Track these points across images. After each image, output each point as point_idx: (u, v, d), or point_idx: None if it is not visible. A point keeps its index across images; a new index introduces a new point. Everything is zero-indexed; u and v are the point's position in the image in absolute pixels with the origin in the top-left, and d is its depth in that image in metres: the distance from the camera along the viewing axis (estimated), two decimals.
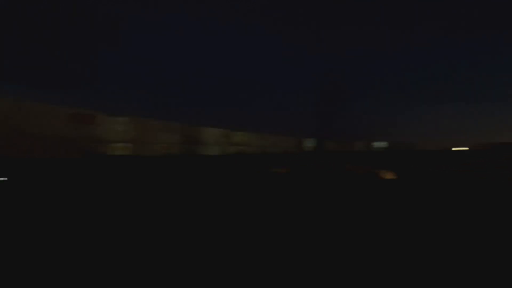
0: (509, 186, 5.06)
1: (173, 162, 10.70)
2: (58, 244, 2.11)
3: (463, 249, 1.95)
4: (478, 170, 8.08)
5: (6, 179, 4.99)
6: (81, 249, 1.99)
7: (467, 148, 51.56)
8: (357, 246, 2.02)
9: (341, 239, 2.17)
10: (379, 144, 51.24)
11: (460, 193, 4.29)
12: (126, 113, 13.65)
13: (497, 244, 2.08)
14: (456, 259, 1.78)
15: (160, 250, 1.97)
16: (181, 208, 3.25)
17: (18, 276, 1.57)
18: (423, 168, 8.98)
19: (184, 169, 8.18)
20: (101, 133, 12.32)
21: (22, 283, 1.50)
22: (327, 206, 3.37)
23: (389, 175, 6.50)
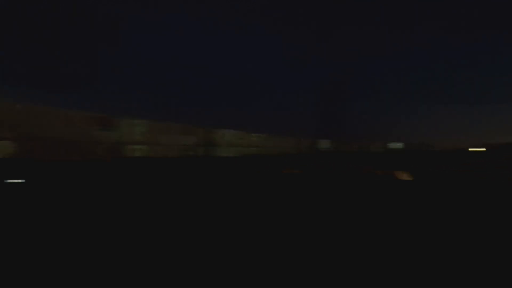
0: None
1: (190, 164, 10.83)
2: (81, 245, 2.14)
3: (475, 254, 1.90)
4: (492, 172, 7.78)
5: (24, 181, 5.17)
6: (105, 250, 2.02)
7: (484, 149, 49.52)
8: (364, 247, 1.99)
9: (350, 240, 2.15)
10: (395, 145, 50.08)
11: (475, 195, 4.13)
12: (128, 114, 13.94)
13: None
14: (466, 261, 1.76)
15: (187, 249, 1.99)
16: (202, 208, 3.29)
17: (40, 277, 1.59)
18: (439, 169, 8.76)
19: (202, 170, 8.24)
20: (119, 136, 12.65)
21: (45, 284, 1.51)
22: (339, 206, 3.33)
23: (405, 176, 6.36)
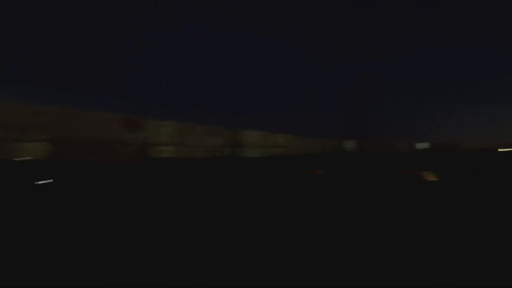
0: None
1: (217, 165, 10.79)
2: (116, 244, 2.06)
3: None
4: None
5: (51, 180, 5.21)
6: (143, 248, 1.93)
7: None
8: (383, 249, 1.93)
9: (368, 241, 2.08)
10: (421, 145, 48.61)
11: (503, 198, 3.87)
12: (153, 116, 14.05)
13: None
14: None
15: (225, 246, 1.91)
16: (231, 208, 3.26)
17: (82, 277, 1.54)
18: (466, 169, 8.43)
19: (229, 171, 8.26)
20: (149, 137, 12.77)
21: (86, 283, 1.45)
22: (361, 207, 3.29)
23: (431, 177, 6.24)
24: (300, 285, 1.45)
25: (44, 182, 5.17)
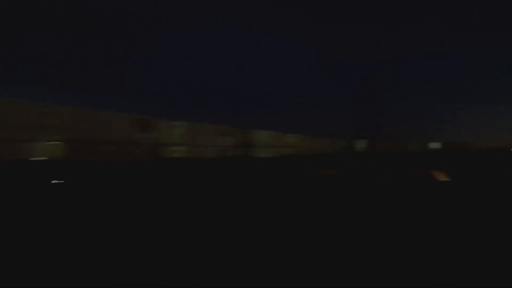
0: None
1: (228, 164, 10.80)
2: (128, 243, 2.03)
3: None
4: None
5: (63, 181, 5.26)
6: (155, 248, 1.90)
7: None
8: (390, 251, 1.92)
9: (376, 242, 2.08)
10: (432, 144, 47.96)
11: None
12: (164, 116, 14.09)
13: None
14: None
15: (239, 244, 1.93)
16: (244, 205, 3.24)
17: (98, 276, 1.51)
18: (477, 169, 8.36)
19: (241, 171, 8.26)
20: (161, 137, 12.83)
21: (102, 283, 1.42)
22: (371, 207, 3.25)
23: (441, 177, 6.25)
24: (305, 284, 1.43)
25: (59, 181, 5.22)
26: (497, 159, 14.64)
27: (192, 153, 14.18)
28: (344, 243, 2.04)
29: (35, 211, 3.04)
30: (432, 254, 1.80)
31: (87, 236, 2.17)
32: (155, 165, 10.07)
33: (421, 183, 5.38)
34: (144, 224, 2.53)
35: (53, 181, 5.19)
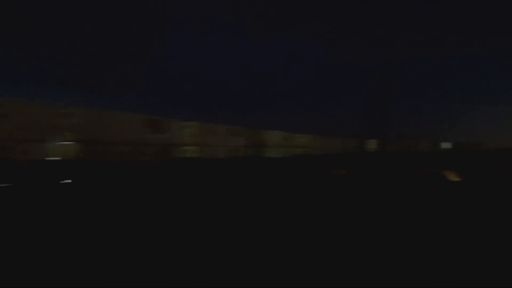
0: None
1: (240, 164, 10.79)
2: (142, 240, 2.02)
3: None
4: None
5: (70, 181, 5.26)
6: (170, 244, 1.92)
7: None
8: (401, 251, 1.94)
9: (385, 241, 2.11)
10: (443, 144, 47.40)
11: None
12: (175, 116, 14.08)
13: None
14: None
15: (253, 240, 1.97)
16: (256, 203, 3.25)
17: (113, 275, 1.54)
18: (488, 169, 8.28)
19: (252, 169, 8.29)
20: (172, 137, 12.83)
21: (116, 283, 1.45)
22: (381, 206, 3.23)
23: (452, 177, 6.30)
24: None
25: (71, 180, 5.24)
26: (506, 160, 14.47)
27: (204, 153, 14.15)
28: (348, 242, 2.04)
29: (50, 208, 3.04)
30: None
31: (100, 233, 2.17)
32: (167, 165, 10.07)
33: (430, 184, 5.32)
34: (153, 222, 2.54)
35: (67, 181, 5.22)
